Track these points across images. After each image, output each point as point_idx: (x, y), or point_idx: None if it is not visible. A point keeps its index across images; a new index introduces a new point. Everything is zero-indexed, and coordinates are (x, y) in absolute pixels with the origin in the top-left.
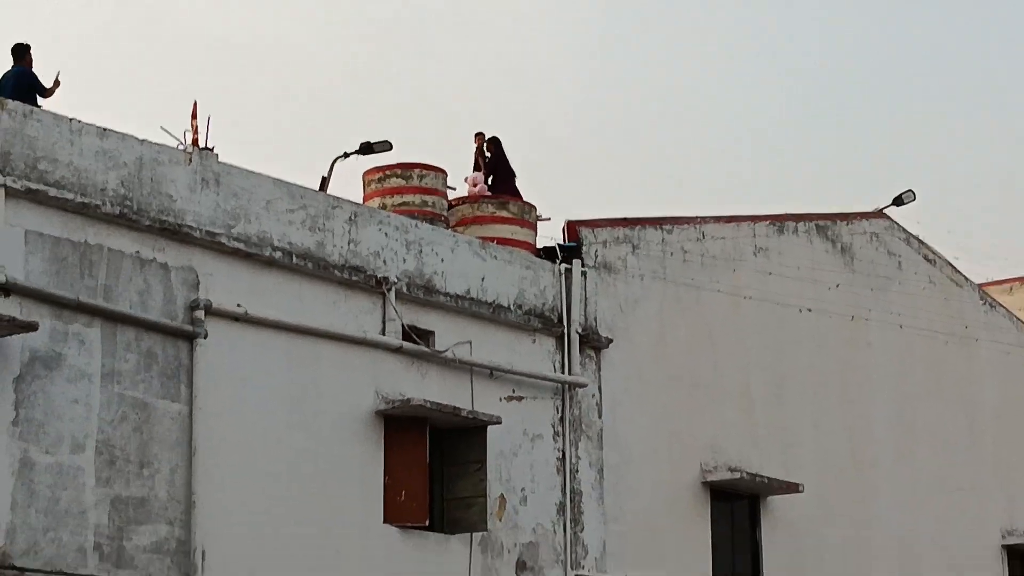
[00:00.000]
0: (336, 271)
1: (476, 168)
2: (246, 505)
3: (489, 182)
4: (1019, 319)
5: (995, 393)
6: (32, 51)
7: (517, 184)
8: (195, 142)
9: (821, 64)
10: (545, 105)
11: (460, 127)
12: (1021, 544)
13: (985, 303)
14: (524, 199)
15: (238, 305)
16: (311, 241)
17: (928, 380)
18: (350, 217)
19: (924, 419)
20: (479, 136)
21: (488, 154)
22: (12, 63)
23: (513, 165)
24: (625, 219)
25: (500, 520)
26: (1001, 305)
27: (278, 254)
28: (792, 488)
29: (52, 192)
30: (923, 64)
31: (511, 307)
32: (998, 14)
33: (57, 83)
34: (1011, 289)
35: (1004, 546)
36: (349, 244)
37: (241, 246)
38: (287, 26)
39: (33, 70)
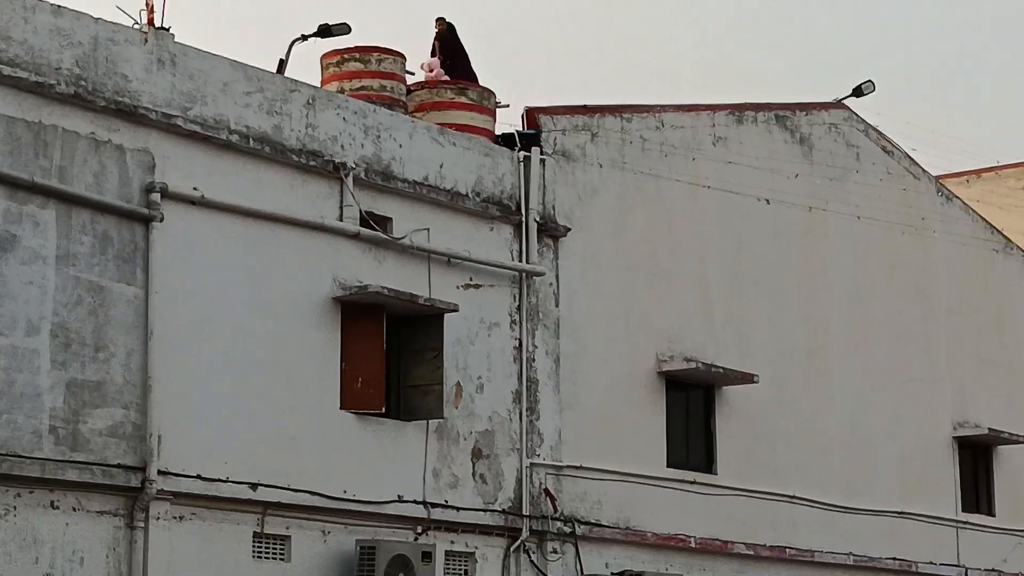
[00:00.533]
0: (293, 155)
1: (433, 53)
2: (202, 390)
3: (446, 67)
4: (975, 211)
5: (950, 285)
6: None
7: (475, 69)
8: (151, 21)
9: None
10: None
11: (420, 10)
12: (971, 435)
13: (942, 195)
14: (482, 85)
15: (194, 188)
16: (268, 124)
17: (884, 271)
18: (308, 101)
19: (879, 310)
20: (439, 21)
21: (437, 29)
22: None
23: (471, 50)
24: (584, 107)
25: (457, 408)
26: (957, 197)
27: (235, 137)
28: (747, 378)
29: (5, 71)
30: None
31: (469, 194)
32: None
33: None
34: (968, 181)
35: (955, 437)
36: (307, 128)
37: (198, 128)
38: None
39: None
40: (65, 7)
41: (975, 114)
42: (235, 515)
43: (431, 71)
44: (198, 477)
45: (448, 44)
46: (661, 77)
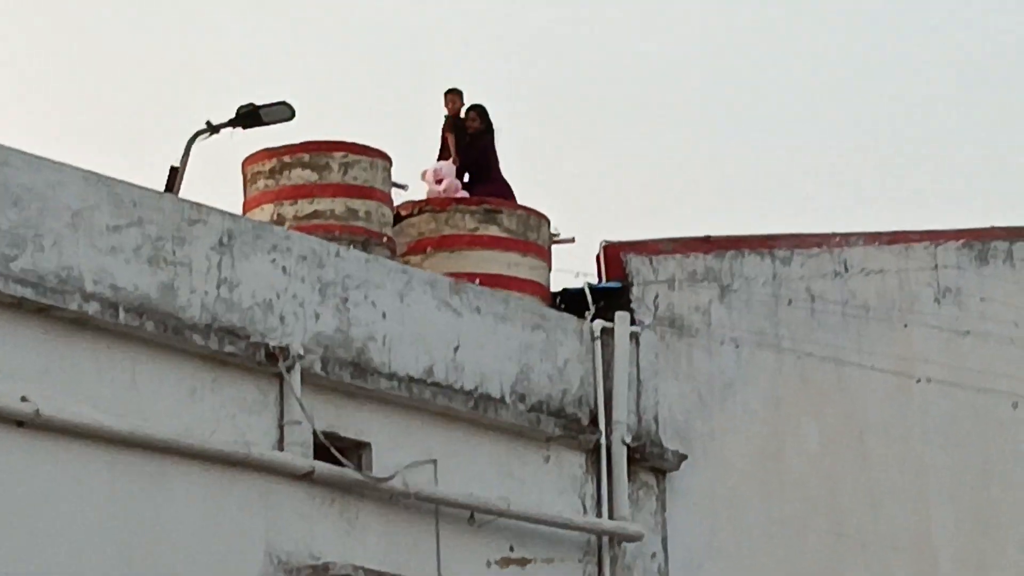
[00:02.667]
0: (196, 336)
1: (444, 154)
2: None
3: (465, 178)
4: None
5: None
6: None
7: (508, 180)
8: None
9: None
10: (546, 54)
11: (414, 81)
12: None
13: None
14: (526, 205)
15: (23, 399)
16: (151, 283)
17: None
18: (221, 239)
19: None
20: (453, 97)
21: (468, 129)
22: None
23: (507, 150)
24: (707, 239)
25: None
26: None
27: (93, 306)
28: None
29: None
30: None
31: (507, 398)
32: None
33: None
34: None
35: None
36: (219, 288)
37: (28, 292)
38: None
39: None
40: None
41: None
42: None
43: (438, 182)
44: None
45: (468, 137)
46: (795, 189)
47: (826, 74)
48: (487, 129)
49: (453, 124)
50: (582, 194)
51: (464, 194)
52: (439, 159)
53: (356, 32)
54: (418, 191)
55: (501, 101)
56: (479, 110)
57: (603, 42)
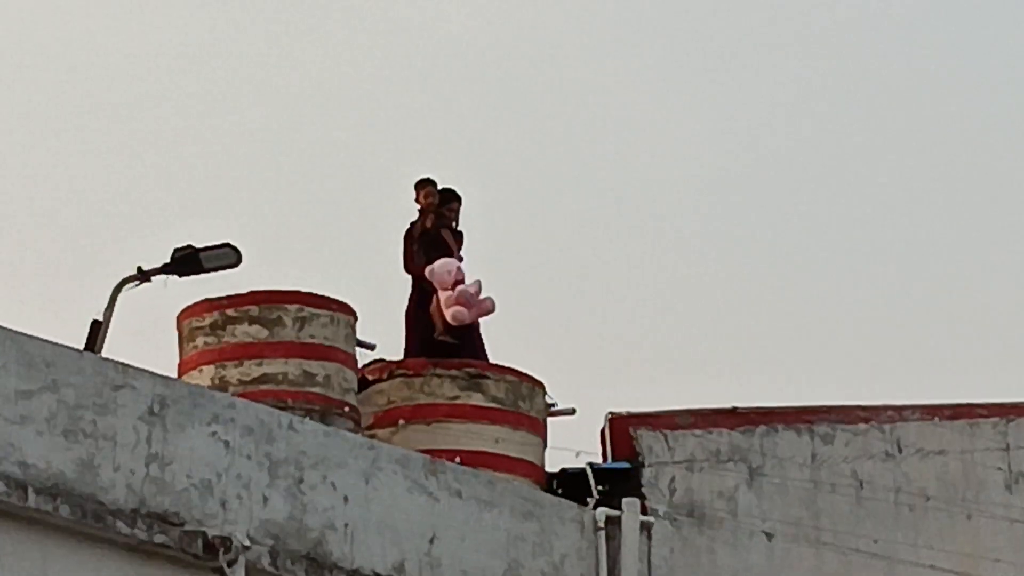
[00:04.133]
0: (121, 523)
1: (433, 256)
2: None
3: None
4: None
5: None
6: None
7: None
8: None
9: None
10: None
11: (380, 223)
12: None
13: None
14: (515, 368)
15: None
16: (67, 460)
17: None
18: (151, 407)
19: None
20: (426, 189)
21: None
22: None
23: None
24: (732, 411)
25: None
26: None
27: (8, 491)
28: None
29: None
30: None
31: None
32: None
33: None
34: None
35: None
36: (148, 466)
37: None
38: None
39: None
40: None
41: None
42: None
43: (453, 285)
44: None
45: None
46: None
47: (877, 215)
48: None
49: (436, 217)
50: (584, 357)
51: (486, 299)
52: (427, 263)
53: (313, 164)
54: (388, 349)
55: (488, 246)
56: (430, 186)
57: (609, 186)
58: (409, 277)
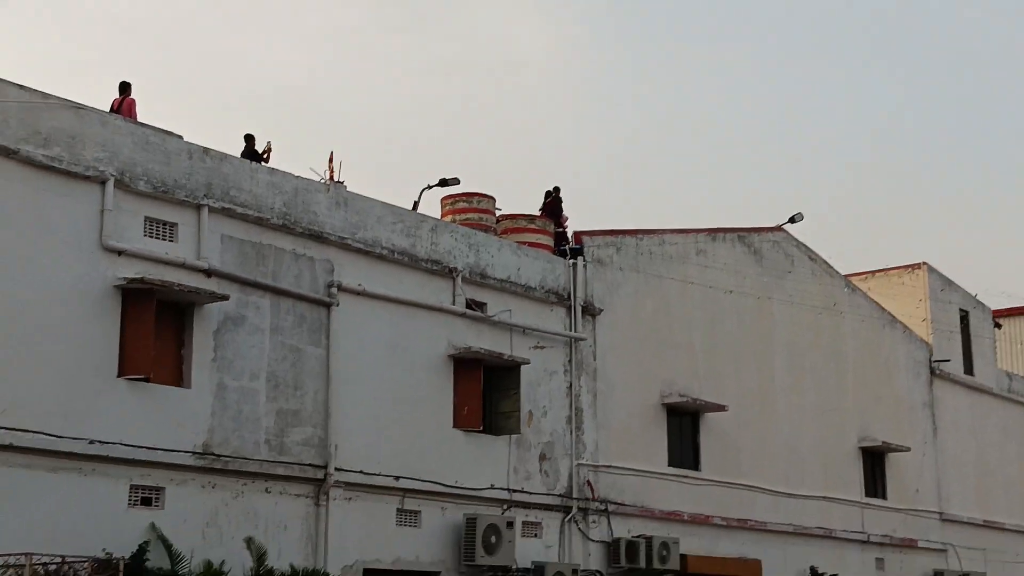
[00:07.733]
0: (423, 263)
1: (547, 211)
2: (364, 416)
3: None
4: (871, 299)
5: (855, 347)
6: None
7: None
8: (331, 178)
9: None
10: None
11: (508, 167)
12: (870, 446)
13: (848, 288)
14: (546, 216)
15: (359, 284)
16: (407, 243)
17: (810, 339)
18: (432, 228)
19: (807, 364)
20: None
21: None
22: None
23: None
24: (612, 231)
25: (529, 427)
26: (859, 289)
27: (385, 252)
28: (720, 408)
29: (238, 209)
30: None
31: (537, 288)
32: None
33: (268, 150)
34: (866, 279)
35: (860, 447)
36: (431, 245)
37: (362, 246)
38: (396, 102)
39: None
40: (277, 169)
41: (873, 232)
42: (384, 497)
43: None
44: (361, 472)
45: (551, 202)
46: (665, 208)
47: None
48: (554, 199)
49: (554, 202)
50: (576, 209)
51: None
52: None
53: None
54: (507, 209)
55: None
56: (555, 189)
57: None
58: None
